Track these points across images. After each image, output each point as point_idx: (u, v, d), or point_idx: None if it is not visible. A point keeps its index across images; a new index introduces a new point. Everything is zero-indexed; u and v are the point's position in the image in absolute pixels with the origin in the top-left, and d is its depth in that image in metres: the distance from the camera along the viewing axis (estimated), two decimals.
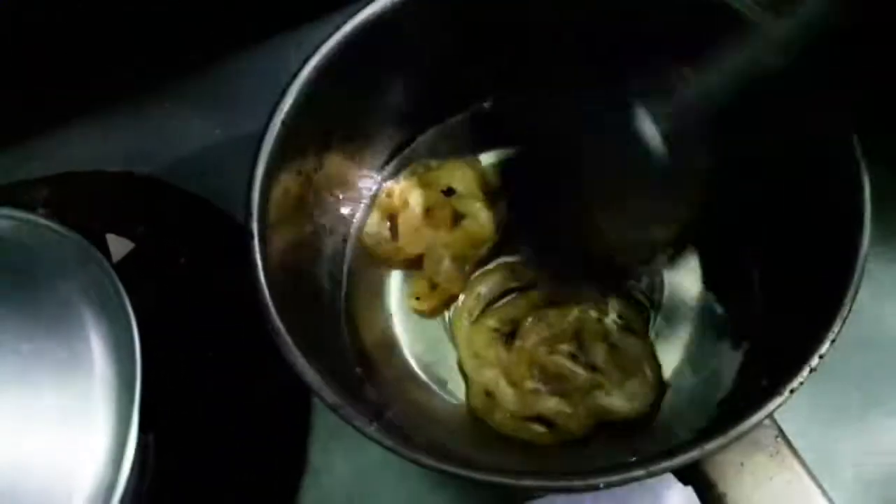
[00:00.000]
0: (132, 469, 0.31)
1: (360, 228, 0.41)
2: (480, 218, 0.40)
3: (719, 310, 0.38)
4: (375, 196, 0.41)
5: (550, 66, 0.39)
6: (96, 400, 0.31)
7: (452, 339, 0.38)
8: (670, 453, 0.26)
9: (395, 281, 0.41)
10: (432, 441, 0.35)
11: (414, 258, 0.40)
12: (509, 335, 0.37)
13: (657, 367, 0.36)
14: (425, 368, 0.39)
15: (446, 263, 0.39)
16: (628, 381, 0.35)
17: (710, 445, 0.26)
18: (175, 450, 0.37)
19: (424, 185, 0.41)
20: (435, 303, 0.39)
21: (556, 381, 0.35)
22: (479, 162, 0.42)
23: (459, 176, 0.41)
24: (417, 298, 0.39)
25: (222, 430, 0.38)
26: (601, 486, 0.25)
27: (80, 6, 0.43)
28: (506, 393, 0.35)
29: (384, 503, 0.38)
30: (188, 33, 0.47)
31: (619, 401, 0.35)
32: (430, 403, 0.38)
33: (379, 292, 0.40)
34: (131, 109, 0.47)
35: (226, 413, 0.38)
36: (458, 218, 0.40)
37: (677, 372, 0.37)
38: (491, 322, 0.37)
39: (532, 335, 0.36)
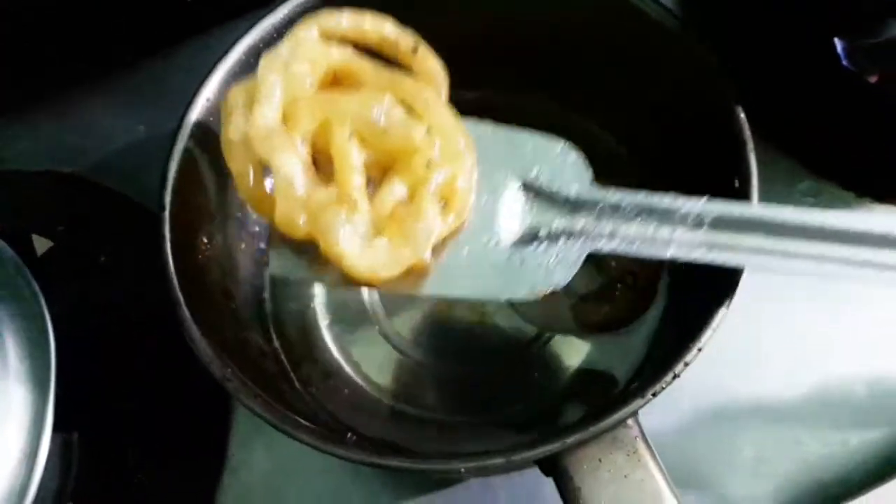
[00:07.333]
0: (49, 468, 0.31)
1: None
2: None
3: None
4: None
5: None
6: (9, 400, 0.31)
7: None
8: (532, 444, 0.27)
9: None
10: (353, 427, 0.36)
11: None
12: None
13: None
14: (342, 350, 0.40)
15: None
16: (385, 238, 0.27)
17: (571, 439, 0.26)
18: (100, 448, 0.37)
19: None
20: None
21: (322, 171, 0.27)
22: None
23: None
24: None
25: (144, 428, 0.38)
26: (462, 470, 0.26)
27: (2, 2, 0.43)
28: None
29: (306, 496, 0.38)
30: (113, 30, 0.46)
31: (355, 248, 0.26)
32: (352, 390, 0.39)
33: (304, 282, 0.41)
34: (54, 106, 0.46)
35: (147, 411, 0.38)
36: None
37: (581, 368, 0.38)
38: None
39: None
